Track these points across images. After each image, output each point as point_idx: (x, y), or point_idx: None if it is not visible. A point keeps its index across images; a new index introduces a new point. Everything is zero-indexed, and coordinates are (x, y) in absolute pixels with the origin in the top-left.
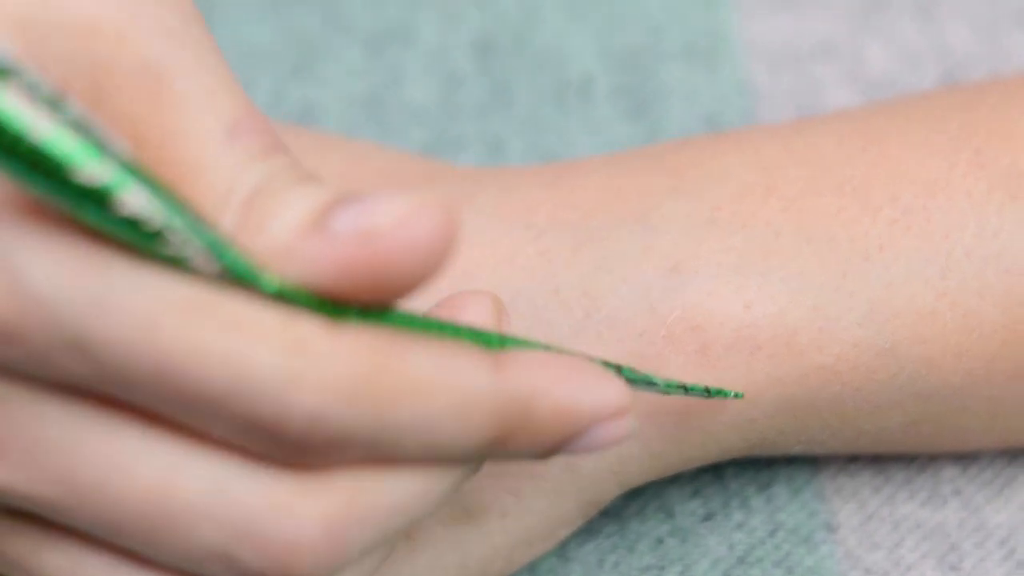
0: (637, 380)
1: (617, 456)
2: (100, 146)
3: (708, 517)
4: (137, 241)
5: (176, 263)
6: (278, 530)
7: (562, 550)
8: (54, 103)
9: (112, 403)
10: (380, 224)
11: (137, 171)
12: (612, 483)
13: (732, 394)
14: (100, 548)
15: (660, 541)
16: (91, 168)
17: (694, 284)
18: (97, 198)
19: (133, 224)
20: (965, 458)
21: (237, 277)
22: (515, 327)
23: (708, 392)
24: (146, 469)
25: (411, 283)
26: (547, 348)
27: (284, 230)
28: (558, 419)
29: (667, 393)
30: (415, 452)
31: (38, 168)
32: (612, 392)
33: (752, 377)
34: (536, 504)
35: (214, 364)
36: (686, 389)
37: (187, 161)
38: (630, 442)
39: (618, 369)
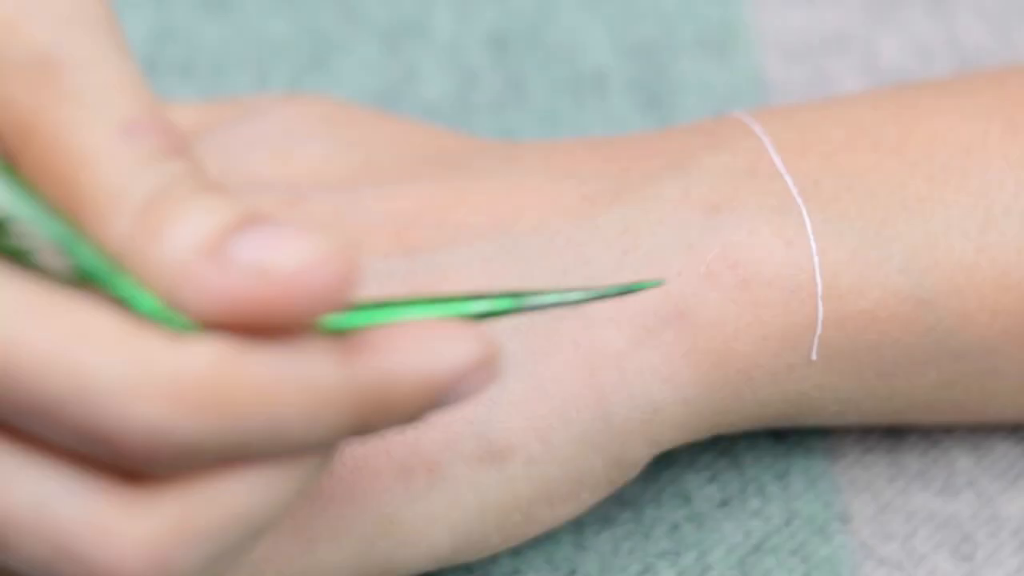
0: (546, 304)
1: (649, 401)
2: None
3: (725, 503)
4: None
5: (18, 256)
6: (99, 554)
7: (578, 539)
8: None
9: None
10: (281, 264)
11: None
12: (642, 438)
13: (652, 284)
14: None
15: (676, 527)
16: None
17: (733, 222)
18: None
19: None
20: (979, 449)
21: (87, 277)
22: (554, 265)
23: (628, 289)
24: None
25: (292, 323)
26: (403, 305)
27: (180, 247)
28: (417, 391)
29: (582, 302)
30: (264, 453)
31: None
32: (467, 347)
33: (790, 318)
34: (563, 452)
35: (50, 369)
36: (601, 295)
37: (77, 157)
38: (661, 387)
39: (516, 296)
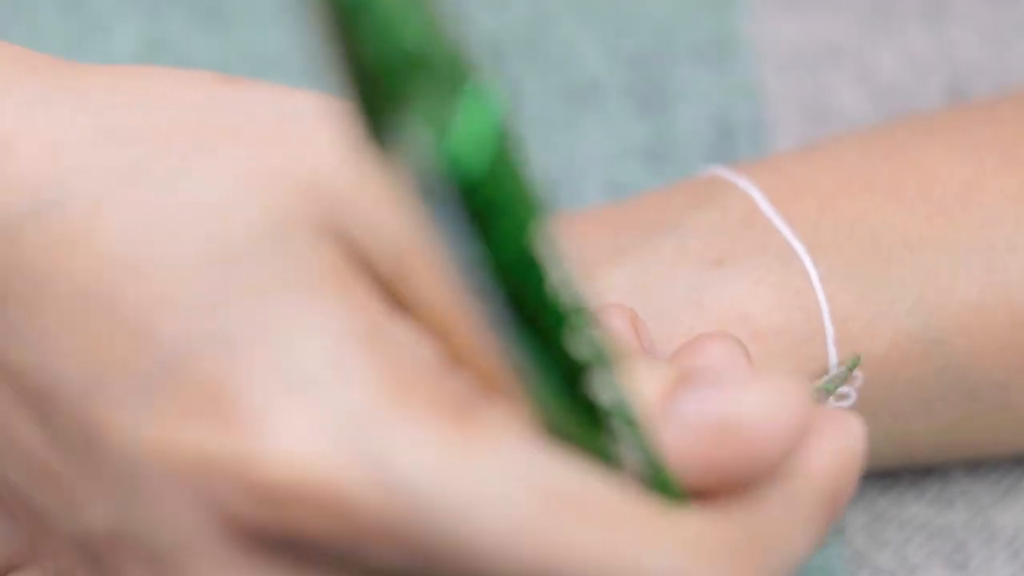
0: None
1: None
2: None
3: None
4: (586, 425)
5: (606, 458)
6: None
7: None
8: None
9: None
10: (744, 416)
11: (611, 354)
12: None
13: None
14: None
15: None
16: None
17: (737, 275)
18: (573, 374)
19: (593, 408)
20: (972, 460)
21: (651, 476)
22: None
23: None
24: None
25: (759, 476)
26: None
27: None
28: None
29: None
30: None
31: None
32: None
33: (803, 367)
34: None
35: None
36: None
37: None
38: None
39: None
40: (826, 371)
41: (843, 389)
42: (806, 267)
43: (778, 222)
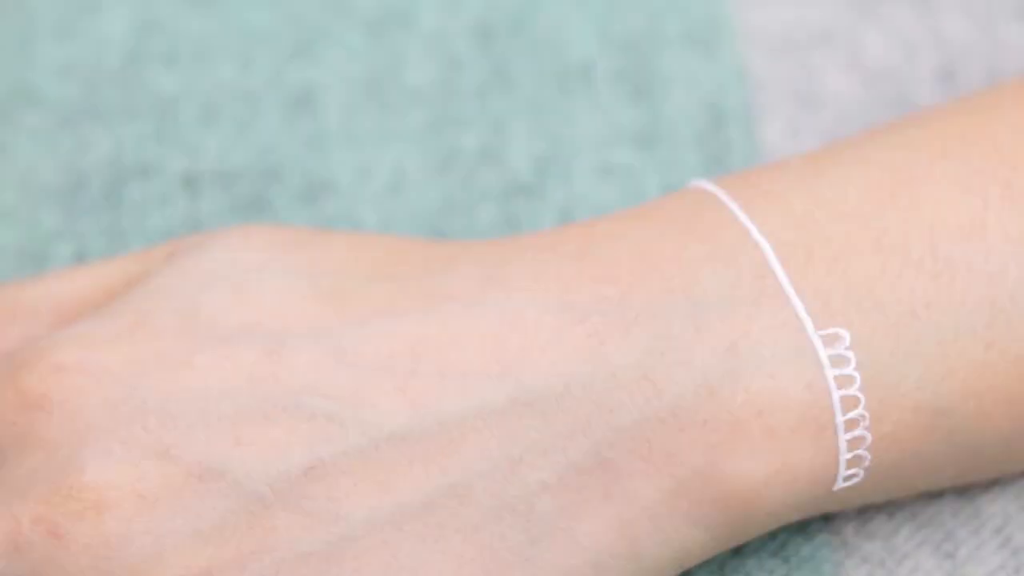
0: None
1: (681, 544)
2: None
3: None
4: None
5: None
6: None
7: None
8: None
9: None
10: None
11: None
12: (672, 569)
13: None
14: None
15: None
16: None
17: (753, 366)
18: None
19: None
20: None
21: None
22: (576, 416)
23: None
24: None
25: None
26: None
27: None
28: None
29: None
30: None
31: None
32: None
33: (819, 458)
34: None
35: None
36: None
37: None
38: (692, 530)
39: None
40: (835, 459)
41: (850, 471)
42: (819, 357)
43: (793, 298)
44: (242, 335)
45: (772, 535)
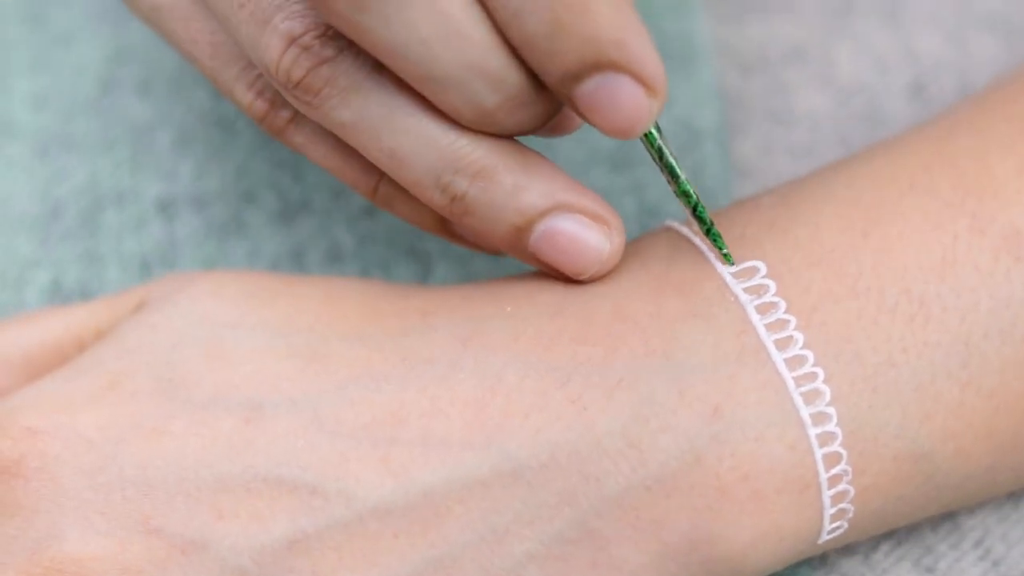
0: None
1: None
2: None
3: None
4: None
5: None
6: None
7: None
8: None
9: None
10: None
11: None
12: None
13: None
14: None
15: None
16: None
17: (738, 430)
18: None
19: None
20: None
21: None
22: (562, 487)
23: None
24: None
25: None
26: None
27: None
28: None
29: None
30: None
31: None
32: None
33: (804, 516)
34: None
35: None
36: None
37: None
38: None
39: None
40: (820, 515)
41: (834, 524)
42: (801, 417)
43: (774, 354)
44: (218, 400)
45: None
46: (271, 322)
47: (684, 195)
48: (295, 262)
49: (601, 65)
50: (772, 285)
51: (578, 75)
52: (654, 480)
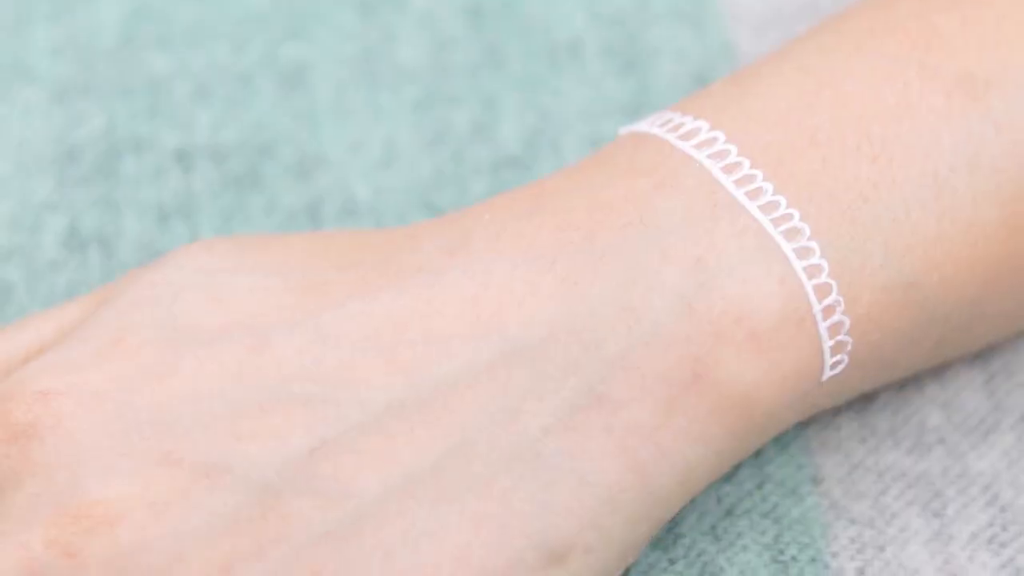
0: None
1: (686, 465)
2: None
3: None
4: None
5: None
6: None
7: None
8: None
9: None
10: None
11: None
12: (681, 495)
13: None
14: None
15: None
16: None
17: (724, 275)
18: None
19: None
20: (949, 407)
21: None
22: (565, 359)
23: None
24: None
25: None
26: None
27: None
28: None
29: None
30: None
31: None
32: None
33: (803, 351)
34: (616, 533)
35: None
36: None
37: None
38: (694, 447)
39: None
40: (818, 348)
41: (835, 358)
42: (784, 252)
43: (747, 203)
44: (223, 336)
45: (763, 497)
46: (266, 264)
47: None
48: (311, 216)
49: None
50: (733, 148)
51: None
52: (651, 336)
